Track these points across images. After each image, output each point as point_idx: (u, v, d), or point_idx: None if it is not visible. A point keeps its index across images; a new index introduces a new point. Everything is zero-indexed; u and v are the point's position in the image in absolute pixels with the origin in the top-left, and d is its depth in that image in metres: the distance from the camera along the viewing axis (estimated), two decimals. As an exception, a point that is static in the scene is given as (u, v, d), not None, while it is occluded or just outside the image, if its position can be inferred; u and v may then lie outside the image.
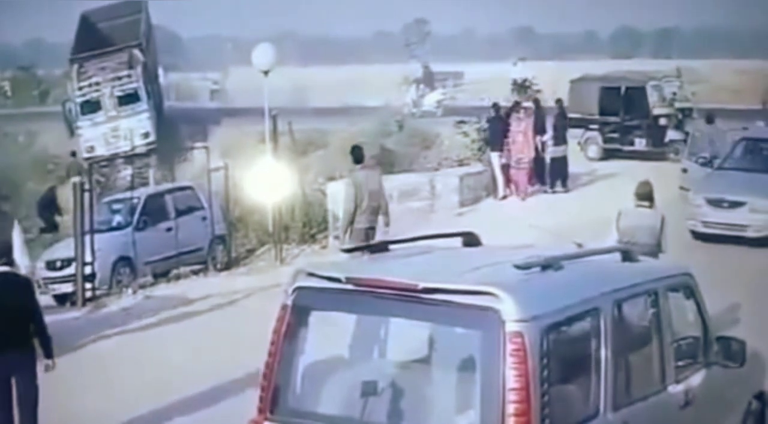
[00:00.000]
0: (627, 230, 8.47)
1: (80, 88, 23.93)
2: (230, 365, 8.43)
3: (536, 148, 16.92)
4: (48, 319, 11.60)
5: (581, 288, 4.70)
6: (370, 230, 10.62)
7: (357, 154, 11.12)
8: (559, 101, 18.20)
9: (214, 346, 9.55)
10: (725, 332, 6.01)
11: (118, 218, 16.04)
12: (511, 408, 4.13)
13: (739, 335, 6.11)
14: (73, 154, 22.64)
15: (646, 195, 8.72)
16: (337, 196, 16.28)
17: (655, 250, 8.52)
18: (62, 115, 26.02)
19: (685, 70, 26.19)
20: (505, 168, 17.04)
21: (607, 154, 20.11)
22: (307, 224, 17.28)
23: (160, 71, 31.42)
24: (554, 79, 23.79)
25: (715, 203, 13.41)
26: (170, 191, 17.43)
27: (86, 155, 22.87)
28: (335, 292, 4.61)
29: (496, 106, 17.63)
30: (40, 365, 6.99)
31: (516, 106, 17.56)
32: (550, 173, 17.34)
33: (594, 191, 17.32)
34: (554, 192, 17.20)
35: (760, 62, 32.83)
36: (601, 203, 15.38)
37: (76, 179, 13.66)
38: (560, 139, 17.22)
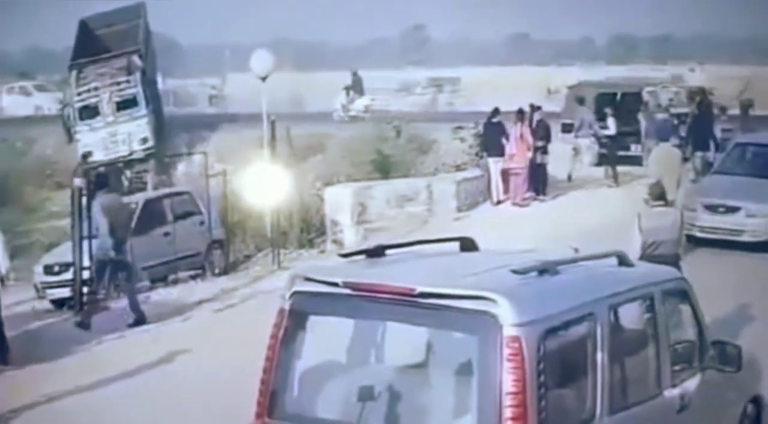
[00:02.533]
0: (651, 230, 8.71)
1: (79, 94, 23.93)
2: (228, 369, 8.44)
3: (533, 154, 16.86)
4: (45, 323, 11.76)
5: (578, 293, 4.73)
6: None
7: (101, 180, 11.29)
8: (538, 108, 18.01)
9: (212, 350, 9.57)
10: (721, 336, 6.03)
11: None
12: (508, 412, 4.16)
13: (735, 339, 6.14)
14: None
15: (659, 195, 9.02)
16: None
17: (677, 245, 8.86)
18: (61, 121, 26.02)
19: (680, 77, 26.28)
20: (504, 173, 17.03)
21: (603, 160, 20.14)
22: (305, 229, 17.32)
23: (159, 77, 31.45)
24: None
25: (712, 208, 13.46)
26: (168, 196, 17.44)
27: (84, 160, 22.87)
28: (332, 296, 4.63)
29: (496, 111, 17.57)
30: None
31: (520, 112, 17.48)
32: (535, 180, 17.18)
33: (590, 196, 17.33)
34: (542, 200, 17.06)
35: (753, 68, 32.98)
36: (598, 208, 15.46)
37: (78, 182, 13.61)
38: (543, 148, 17.02)
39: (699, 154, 16.22)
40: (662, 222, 8.81)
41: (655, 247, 8.56)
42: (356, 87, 29.61)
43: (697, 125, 17.01)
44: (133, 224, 15.60)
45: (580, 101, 19.64)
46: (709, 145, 16.61)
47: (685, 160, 15.78)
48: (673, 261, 8.04)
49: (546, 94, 21.71)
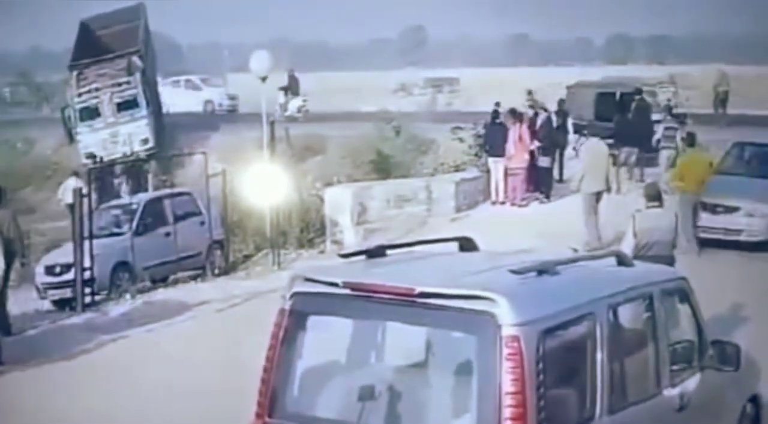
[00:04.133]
0: (646, 232, 8.73)
1: (79, 95, 23.94)
2: (228, 369, 8.47)
3: (532, 155, 16.87)
4: (47, 324, 11.77)
5: (577, 293, 4.74)
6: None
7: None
8: (543, 109, 18.19)
9: (213, 350, 9.59)
10: (720, 335, 6.06)
11: (117, 224, 16.07)
12: (507, 412, 4.17)
13: (734, 338, 6.16)
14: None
15: (655, 195, 9.05)
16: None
17: (672, 246, 8.91)
18: (61, 122, 26.04)
19: (678, 76, 26.33)
20: (504, 174, 17.04)
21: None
22: (305, 229, 17.33)
23: (159, 78, 31.46)
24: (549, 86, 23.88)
25: (711, 208, 13.49)
26: (169, 197, 17.47)
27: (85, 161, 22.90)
28: (332, 297, 4.64)
29: (496, 112, 17.60)
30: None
31: (519, 112, 17.54)
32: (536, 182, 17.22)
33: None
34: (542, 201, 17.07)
35: (751, 68, 33.00)
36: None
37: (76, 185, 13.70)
38: (546, 149, 17.06)
39: (625, 149, 17.02)
40: (657, 223, 8.83)
41: (648, 248, 8.58)
42: (292, 88, 30.46)
43: (633, 123, 17.68)
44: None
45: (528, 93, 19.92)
46: (642, 143, 17.25)
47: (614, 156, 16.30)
48: (668, 262, 8.07)
49: (526, 96, 21.77)
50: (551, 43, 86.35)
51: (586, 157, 13.79)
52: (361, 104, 33.13)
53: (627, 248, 8.39)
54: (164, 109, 28.16)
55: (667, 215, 9.14)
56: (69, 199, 17.80)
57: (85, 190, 14.08)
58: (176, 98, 31.62)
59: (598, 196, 13.30)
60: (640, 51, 70.21)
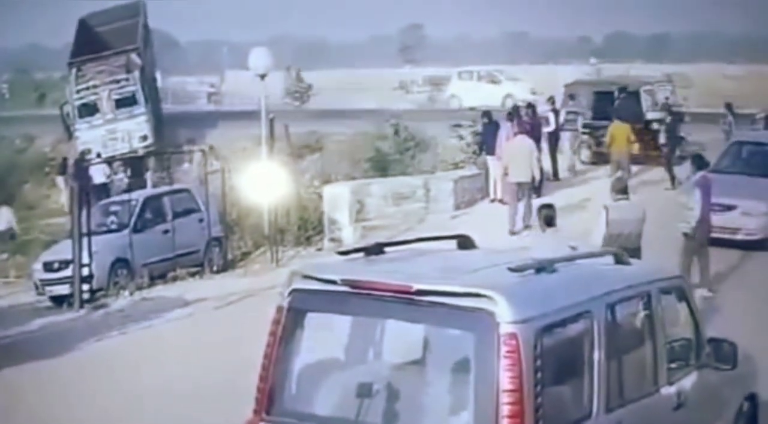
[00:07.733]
0: (617, 223, 8.98)
1: (78, 92, 23.98)
2: (226, 366, 8.49)
3: None
4: (45, 320, 11.81)
5: (575, 291, 4.75)
6: None
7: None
8: (530, 106, 18.22)
9: (211, 347, 9.60)
10: (718, 334, 6.07)
11: (115, 220, 16.09)
12: (505, 409, 4.18)
13: (731, 337, 6.17)
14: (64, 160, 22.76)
15: (622, 189, 9.38)
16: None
17: (640, 237, 9.18)
18: (60, 118, 26.07)
19: (676, 75, 26.38)
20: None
21: (600, 159, 20.16)
22: (303, 227, 17.35)
23: (158, 75, 31.49)
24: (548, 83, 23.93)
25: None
26: (167, 194, 17.48)
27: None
28: (331, 294, 4.65)
29: (487, 113, 17.64)
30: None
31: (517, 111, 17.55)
32: None
33: (586, 193, 17.35)
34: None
35: (748, 67, 33.04)
36: (593, 205, 15.48)
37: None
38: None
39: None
40: (629, 215, 9.11)
41: (621, 238, 8.73)
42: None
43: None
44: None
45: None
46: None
47: None
48: (635, 253, 8.25)
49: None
50: (550, 42, 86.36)
51: (507, 151, 14.82)
52: (360, 102, 33.15)
53: (598, 237, 8.62)
54: (458, 103, 26.20)
55: (638, 208, 9.40)
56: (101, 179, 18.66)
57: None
58: (468, 92, 28.79)
59: (521, 186, 14.38)
60: (639, 50, 70.27)
